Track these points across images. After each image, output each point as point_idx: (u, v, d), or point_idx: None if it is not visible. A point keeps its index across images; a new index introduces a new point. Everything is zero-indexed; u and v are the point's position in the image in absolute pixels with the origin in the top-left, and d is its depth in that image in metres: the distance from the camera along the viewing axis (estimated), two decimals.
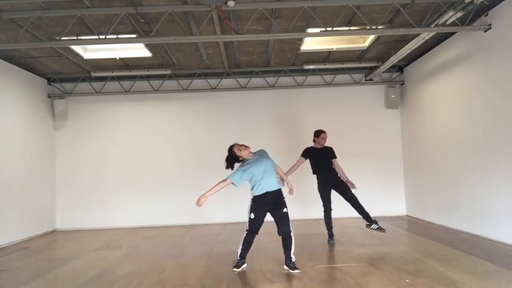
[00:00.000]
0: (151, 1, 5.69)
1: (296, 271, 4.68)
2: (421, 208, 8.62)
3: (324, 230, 6.43)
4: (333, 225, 6.41)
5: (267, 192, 4.79)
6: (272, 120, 9.52)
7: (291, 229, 4.79)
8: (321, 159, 6.40)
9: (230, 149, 4.94)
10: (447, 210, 7.44)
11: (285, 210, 4.81)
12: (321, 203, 6.37)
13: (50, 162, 9.16)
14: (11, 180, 7.62)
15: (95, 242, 7.42)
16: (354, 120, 9.46)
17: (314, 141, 6.51)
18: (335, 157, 6.46)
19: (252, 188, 4.88)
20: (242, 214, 9.23)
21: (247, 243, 4.92)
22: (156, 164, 9.39)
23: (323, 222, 6.44)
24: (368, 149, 9.43)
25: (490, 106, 6.15)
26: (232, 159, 4.92)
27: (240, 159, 4.92)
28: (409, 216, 9.11)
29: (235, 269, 4.85)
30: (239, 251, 4.93)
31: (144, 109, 9.56)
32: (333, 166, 6.39)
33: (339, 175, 6.34)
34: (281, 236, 4.83)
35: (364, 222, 6.30)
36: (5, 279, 5.07)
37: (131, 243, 7.23)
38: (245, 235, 4.93)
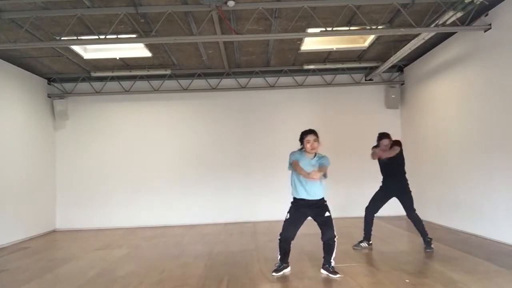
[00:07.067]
0: (151, 1, 5.69)
1: (338, 275, 4.44)
2: (421, 208, 8.52)
3: None
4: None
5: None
6: (272, 120, 9.52)
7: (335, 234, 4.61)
8: (391, 163, 5.93)
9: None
10: (447, 210, 7.44)
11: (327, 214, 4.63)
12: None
13: (50, 162, 9.16)
14: (11, 180, 7.61)
15: (95, 242, 7.43)
16: (354, 120, 9.44)
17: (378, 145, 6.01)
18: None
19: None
20: (241, 214, 9.43)
21: (284, 249, 4.70)
22: (156, 164, 9.40)
23: None
24: (368, 149, 9.33)
25: (490, 106, 6.15)
26: None
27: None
28: None
29: (274, 274, 4.60)
30: (279, 256, 4.72)
31: (144, 109, 9.57)
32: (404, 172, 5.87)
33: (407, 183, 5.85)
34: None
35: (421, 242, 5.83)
36: (5, 279, 5.07)
37: (131, 243, 7.23)
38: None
